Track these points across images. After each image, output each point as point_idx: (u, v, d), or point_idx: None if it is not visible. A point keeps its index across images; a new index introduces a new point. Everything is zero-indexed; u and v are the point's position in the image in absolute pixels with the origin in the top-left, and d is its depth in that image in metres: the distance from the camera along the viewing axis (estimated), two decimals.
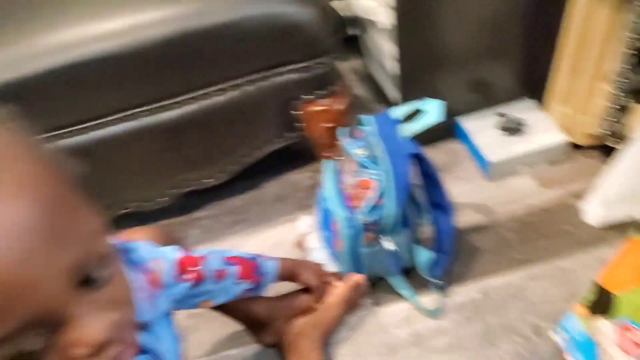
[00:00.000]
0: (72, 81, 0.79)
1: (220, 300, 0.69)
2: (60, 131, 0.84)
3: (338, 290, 0.81)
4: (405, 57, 1.01)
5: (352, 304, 0.83)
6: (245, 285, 0.70)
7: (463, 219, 0.94)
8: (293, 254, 0.97)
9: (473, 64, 1.03)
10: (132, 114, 0.85)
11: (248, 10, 0.83)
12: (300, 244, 0.96)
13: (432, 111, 0.83)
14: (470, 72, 1.04)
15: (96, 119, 0.84)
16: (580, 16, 0.86)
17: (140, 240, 0.57)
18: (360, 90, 1.32)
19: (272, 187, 1.12)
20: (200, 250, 0.67)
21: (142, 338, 0.45)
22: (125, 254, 0.52)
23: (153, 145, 0.90)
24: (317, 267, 0.83)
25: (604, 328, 0.66)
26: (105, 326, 0.32)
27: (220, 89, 0.88)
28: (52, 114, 0.82)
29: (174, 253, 0.63)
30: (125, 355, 0.35)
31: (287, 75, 0.90)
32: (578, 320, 0.70)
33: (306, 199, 1.08)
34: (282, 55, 0.88)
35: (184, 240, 0.78)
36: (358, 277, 0.81)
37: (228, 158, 0.97)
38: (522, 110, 1.07)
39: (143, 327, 0.47)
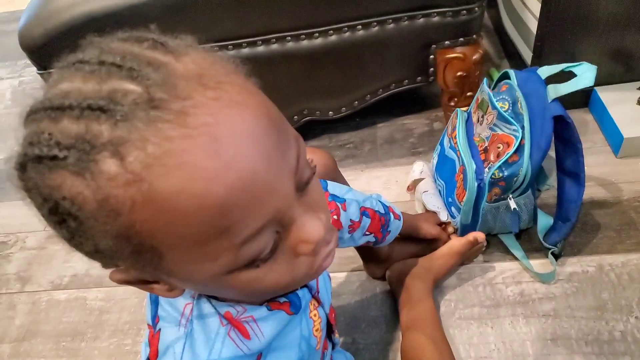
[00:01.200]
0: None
1: (342, 246, 0.70)
2: (216, 44, 0.88)
3: (455, 242, 0.82)
4: (548, 16, 0.96)
5: (465, 258, 0.85)
6: (370, 238, 0.71)
7: (588, 191, 0.91)
8: (402, 195, 0.99)
9: (620, 32, 0.96)
10: (280, 38, 0.88)
11: None
12: (411, 188, 0.98)
13: (583, 75, 0.80)
14: (615, 40, 0.98)
15: (247, 37, 0.87)
16: None
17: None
18: (485, 43, 1.27)
19: (385, 129, 1.14)
20: (340, 191, 0.66)
21: None
22: None
23: (291, 70, 0.92)
24: (435, 219, 0.84)
25: None
26: (320, 225, 0.34)
27: (364, 24, 0.88)
28: (213, 27, 0.85)
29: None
30: (333, 254, 0.39)
31: (433, 18, 0.89)
32: None
33: (418, 145, 1.09)
34: None
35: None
36: (478, 235, 0.82)
37: (356, 93, 0.98)
38: None
39: None
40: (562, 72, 0.83)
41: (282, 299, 0.45)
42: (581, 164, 0.81)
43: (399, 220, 0.76)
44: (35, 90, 1.41)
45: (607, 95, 1.02)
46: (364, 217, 0.67)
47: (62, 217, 0.29)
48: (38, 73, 0.95)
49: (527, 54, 1.07)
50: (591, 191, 0.93)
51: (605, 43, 0.99)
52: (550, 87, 0.80)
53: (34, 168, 0.29)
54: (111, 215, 0.28)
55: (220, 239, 0.30)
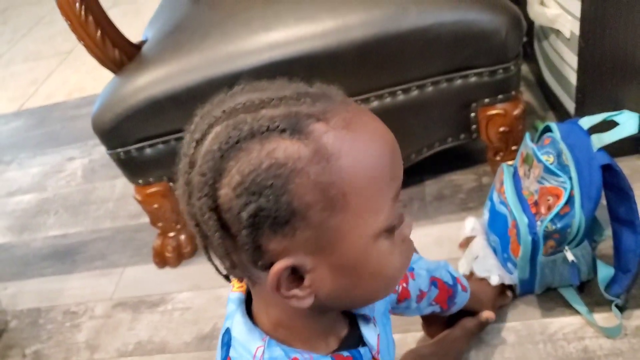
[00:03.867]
0: (280, 75, 0.89)
1: (408, 314, 0.71)
2: None
3: (468, 323, 0.79)
4: (585, 68, 0.98)
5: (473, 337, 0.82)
6: (436, 308, 0.72)
7: None
8: (454, 252, 0.99)
9: None
10: None
11: (441, 16, 0.86)
12: (464, 244, 0.98)
13: (625, 123, 0.80)
14: None
15: None
16: None
17: None
18: (527, 96, 1.29)
19: (433, 185, 1.15)
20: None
21: (364, 330, 0.50)
22: None
23: None
24: (495, 293, 0.83)
25: None
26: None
27: (404, 89, 0.93)
28: None
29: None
30: None
31: (471, 78, 0.92)
32: None
33: (468, 201, 1.09)
34: (469, 60, 0.90)
35: None
36: (489, 314, 0.80)
37: (402, 153, 1.02)
38: None
39: (368, 319, 0.51)
40: (604, 121, 0.83)
41: (346, 353, 0.47)
42: (635, 211, 0.79)
43: (466, 292, 0.76)
44: (104, 167, 1.54)
45: None
46: (432, 287, 0.69)
47: (267, 183, 0.35)
48: (108, 153, 1.04)
49: (570, 105, 1.08)
50: None
51: (629, 96, 0.98)
52: (594, 136, 0.81)
53: (244, 145, 0.36)
54: (322, 162, 0.36)
55: (388, 188, 0.39)
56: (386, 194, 0.39)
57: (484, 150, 1.08)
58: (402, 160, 0.42)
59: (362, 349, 0.49)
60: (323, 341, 0.47)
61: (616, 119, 0.82)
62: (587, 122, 0.85)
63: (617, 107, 0.97)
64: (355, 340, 0.49)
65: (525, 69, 1.37)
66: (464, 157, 1.18)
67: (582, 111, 1.03)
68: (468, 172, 1.16)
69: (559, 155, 0.82)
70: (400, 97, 0.94)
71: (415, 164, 1.06)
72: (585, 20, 0.92)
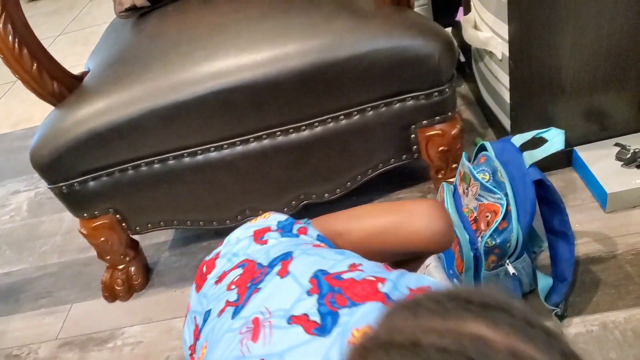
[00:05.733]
0: (223, 104, 0.90)
1: None
2: (211, 145, 0.95)
3: None
4: (517, 86, 1.03)
5: None
6: None
7: (582, 248, 0.93)
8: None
9: (588, 94, 1.03)
10: (270, 134, 0.95)
11: (376, 43, 0.89)
12: None
13: (553, 140, 0.85)
14: (585, 102, 1.04)
15: (239, 137, 0.94)
16: None
17: None
18: (467, 115, 1.34)
19: None
20: None
21: None
22: None
23: (283, 161, 0.98)
24: None
25: None
26: None
27: (346, 114, 0.95)
28: (206, 130, 0.93)
29: None
30: None
31: (408, 102, 0.95)
32: None
33: None
34: (406, 84, 0.93)
35: None
36: None
37: (347, 175, 1.04)
38: None
39: None
40: (535, 138, 0.88)
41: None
42: (567, 222, 0.83)
43: None
44: (51, 199, 1.49)
45: (587, 154, 1.06)
46: None
47: None
48: (49, 187, 1.01)
49: (506, 122, 1.13)
50: (586, 248, 0.94)
51: (575, 105, 1.05)
52: (526, 154, 0.85)
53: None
54: None
55: None
56: None
57: (428, 169, 1.11)
58: None
59: None
60: None
61: (545, 135, 0.86)
62: (519, 139, 0.89)
63: (548, 122, 1.03)
64: None
65: (465, 88, 1.43)
66: (410, 175, 1.21)
67: (517, 128, 1.08)
68: (414, 189, 1.19)
69: (494, 172, 0.85)
70: (343, 122, 0.96)
71: (365, 184, 1.09)
72: (513, 42, 0.97)
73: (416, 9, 1.16)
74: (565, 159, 1.11)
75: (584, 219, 1.00)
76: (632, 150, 1.03)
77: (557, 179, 1.10)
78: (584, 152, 1.07)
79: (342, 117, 0.95)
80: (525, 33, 0.95)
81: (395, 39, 0.90)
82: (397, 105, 0.96)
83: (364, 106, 0.95)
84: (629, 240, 0.94)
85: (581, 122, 1.07)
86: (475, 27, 1.17)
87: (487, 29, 1.10)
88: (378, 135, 0.99)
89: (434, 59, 0.90)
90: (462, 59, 1.41)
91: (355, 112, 0.95)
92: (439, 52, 0.90)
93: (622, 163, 1.02)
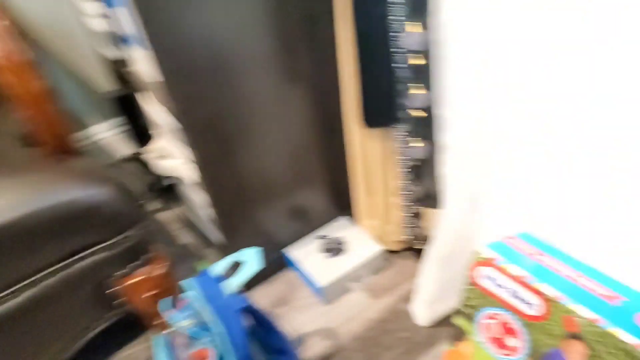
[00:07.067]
0: None
1: None
2: None
3: None
4: (216, 206, 1.03)
5: None
6: None
7: (311, 349, 0.94)
8: None
9: (283, 196, 1.09)
10: None
11: (34, 203, 0.77)
12: None
13: (250, 260, 0.84)
14: (283, 203, 1.10)
15: None
16: (359, 148, 0.99)
17: None
18: (188, 237, 1.30)
19: None
20: None
21: None
22: None
23: None
24: None
25: None
26: None
27: (24, 286, 0.79)
28: None
29: None
30: None
31: (94, 256, 0.85)
32: None
33: None
34: (84, 239, 0.83)
35: None
36: None
37: (50, 352, 0.85)
38: (340, 228, 1.15)
39: None
40: (236, 261, 0.86)
41: None
42: (282, 337, 0.82)
43: None
44: None
45: (296, 253, 1.11)
46: None
47: None
48: None
49: (220, 239, 1.12)
50: (315, 347, 0.95)
51: (276, 208, 1.09)
52: (226, 283, 0.82)
53: None
54: None
55: None
56: None
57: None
58: None
59: None
60: None
61: (240, 259, 0.85)
62: (217, 269, 0.86)
63: (259, 231, 1.05)
64: None
65: (181, 210, 1.39)
66: (132, 326, 1.08)
67: (232, 245, 1.07)
68: (141, 341, 1.06)
69: (199, 313, 0.80)
70: (25, 294, 0.79)
71: (82, 351, 0.91)
72: (200, 166, 0.96)
73: (111, 136, 1.08)
74: (281, 262, 1.14)
75: (308, 318, 1.02)
76: (331, 240, 1.11)
77: (280, 282, 1.12)
78: (294, 252, 1.12)
79: (20, 291, 0.78)
80: (208, 155, 0.95)
81: (55, 194, 0.79)
82: (81, 263, 0.84)
83: (37, 276, 0.80)
84: (349, 327, 0.99)
85: (286, 222, 1.12)
86: (161, 157, 1.15)
87: (174, 157, 1.09)
88: (71, 299, 0.85)
89: (107, 207, 0.82)
90: (170, 182, 1.38)
91: (37, 281, 0.80)
92: (110, 199, 0.82)
93: (325, 254, 1.09)
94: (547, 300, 0.59)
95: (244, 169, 1.01)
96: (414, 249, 1.10)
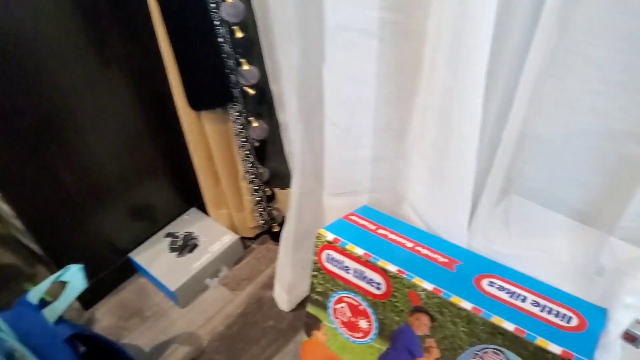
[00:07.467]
0: None
1: None
2: None
3: None
4: (24, 214, 0.88)
5: None
6: None
7: (175, 356, 0.86)
8: None
9: (121, 194, 0.96)
10: None
11: None
12: None
13: (72, 280, 0.72)
14: (122, 202, 0.97)
15: None
16: (195, 132, 0.89)
17: None
18: (9, 257, 1.10)
19: None
20: None
21: None
22: None
23: None
24: None
25: None
26: None
27: None
28: None
29: None
30: None
31: None
32: None
33: None
34: None
35: None
36: None
37: None
38: (190, 222, 1.05)
39: None
40: (58, 283, 0.73)
41: None
42: (125, 357, 0.72)
43: None
44: None
45: (144, 257, 1.00)
46: None
47: None
48: None
49: (42, 254, 0.96)
50: (177, 355, 0.87)
51: (99, 222, 0.94)
52: (46, 311, 0.70)
53: None
54: None
55: None
56: None
57: None
58: None
59: None
60: None
61: (64, 278, 0.73)
62: (37, 294, 0.72)
63: (92, 235, 0.92)
64: None
65: None
66: None
67: (59, 259, 0.92)
68: None
69: (11, 354, 0.66)
70: None
71: None
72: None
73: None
74: (128, 269, 1.02)
75: (166, 325, 0.93)
76: (181, 236, 1.02)
77: (129, 292, 1.00)
78: (140, 256, 1.00)
79: None
80: (6, 159, 0.79)
81: None
82: None
83: None
84: (210, 327, 0.92)
85: (127, 223, 0.99)
86: None
87: None
88: None
89: None
90: None
91: None
92: None
93: (176, 253, 0.99)
94: (391, 277, 0.57)
95: (61, 170, 0.86)
96: (272, 232, 1.04)
